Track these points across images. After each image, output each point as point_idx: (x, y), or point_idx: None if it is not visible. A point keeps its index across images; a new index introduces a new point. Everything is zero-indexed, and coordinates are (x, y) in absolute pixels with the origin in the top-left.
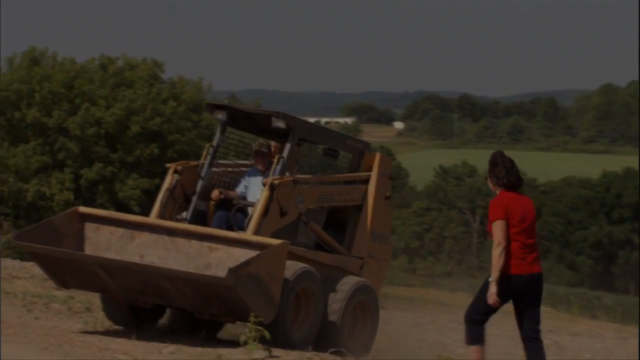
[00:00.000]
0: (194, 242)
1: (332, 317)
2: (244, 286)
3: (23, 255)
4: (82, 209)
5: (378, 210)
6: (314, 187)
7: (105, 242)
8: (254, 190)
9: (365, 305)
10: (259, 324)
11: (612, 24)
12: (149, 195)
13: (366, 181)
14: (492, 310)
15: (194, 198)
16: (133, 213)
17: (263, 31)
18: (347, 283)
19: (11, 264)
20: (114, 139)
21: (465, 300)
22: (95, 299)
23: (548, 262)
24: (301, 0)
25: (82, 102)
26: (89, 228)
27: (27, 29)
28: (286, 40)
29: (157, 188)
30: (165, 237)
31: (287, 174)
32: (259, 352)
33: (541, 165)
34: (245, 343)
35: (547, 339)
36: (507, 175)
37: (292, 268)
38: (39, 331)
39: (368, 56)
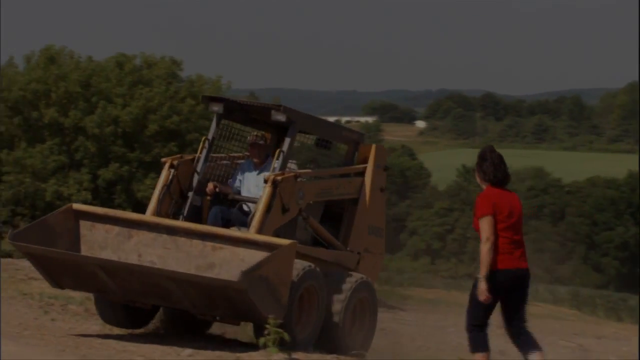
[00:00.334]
0: (196, 241)
1: (335, 317)
2: (254, 288)
3: None
4: (76, 206)
5: (374, 203)
6: (313, 182)
7: (101, 240)
8: (249, 184)
9: (365, 302)
10: (279, 326)
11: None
12: None
13: (362, 173)
14: (489, 311)
15: (191, 194)
16: None
17: (283, 29)
18: (349, 281)
19: (27, 265)
20: (131, 138)
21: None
22: None
23: (573, 263)
24: None
25: (99, 101)
26: (84, 226)
27: (44, 27)
28: (307, 38)
29: None
30: (165, 235)
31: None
32: (279, 355)
33: (566, 165)
34: (265, 346)
35: (571, 342)
36: (495, 171)
37: (297, 267)
38: (56, 333)
39: (390, 54)
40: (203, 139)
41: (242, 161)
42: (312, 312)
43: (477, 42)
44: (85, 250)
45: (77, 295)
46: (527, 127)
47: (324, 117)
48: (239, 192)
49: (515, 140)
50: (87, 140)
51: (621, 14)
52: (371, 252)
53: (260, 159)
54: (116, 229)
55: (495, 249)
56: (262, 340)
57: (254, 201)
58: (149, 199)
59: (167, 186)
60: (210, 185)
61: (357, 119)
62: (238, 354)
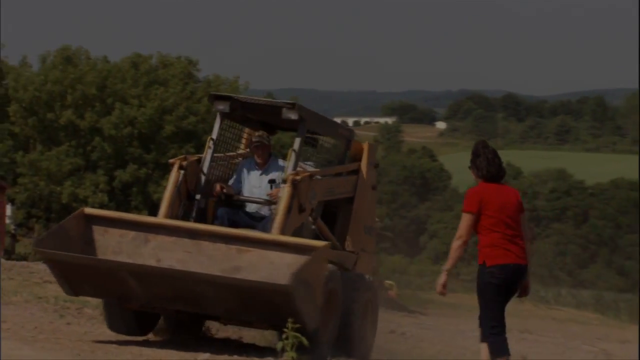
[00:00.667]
0: (220, 244)
1: (351, 318)
2: (299, 292)
3: None
4: (88, 210)
5: (368, 202)
6: (322, 181)
7: (115, 245)
8: (251, 185)
9: (370, 303)
10: (298, 330)
11: None
12: None
13: (356, 171)
14: (501, 311)
15: (199, 196)
16: None
17: (301, 29)
18: (360, 282)
19: (43, 268)
20: (147, 140)
21: (508, 306)
22: None
23: (596, 267)
24: None
25: (114, 102)
26: (97, 231)
27: (58, 26)
28: (324, 37)
29: None
30: (186, 238)
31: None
32: None
33: (589, 166)
34: (283, 350)
35: (595, 346)
36: (488, 166)
37: None
38: (71, 337)
39: (409, 54)
40: (208, 138)
41: (239, 160)
42: (332, 315)
43: (498, 41)
44: (98, 256)
45: (93, 299)
46: (549, 128)
47: (320, 114)
48: (239, 193)
49: (537, 142)
50: (103, 141)
51: None
52: (366, 251)
53: (263, 159)
54: (131, 233)
55: (491, 244)
56: (279, 344)
57: (259, 202)
58: None
59: (178, 188)
60: (217, 187)
61: (376, 119)
62: (255, 359)
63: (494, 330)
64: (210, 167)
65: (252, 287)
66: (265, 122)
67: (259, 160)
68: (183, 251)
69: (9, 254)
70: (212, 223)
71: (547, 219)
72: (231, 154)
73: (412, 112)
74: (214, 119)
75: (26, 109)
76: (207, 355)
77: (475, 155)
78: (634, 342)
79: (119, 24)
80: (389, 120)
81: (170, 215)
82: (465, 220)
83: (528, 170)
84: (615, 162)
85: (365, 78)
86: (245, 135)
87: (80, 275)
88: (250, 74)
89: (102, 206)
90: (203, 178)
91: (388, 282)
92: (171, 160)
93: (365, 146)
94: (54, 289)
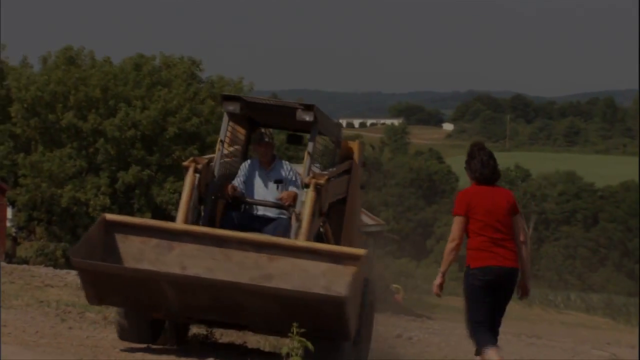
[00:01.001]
0: (250, 251)
1: (360, 322)
2: (351, 302)
3: (56, 263)
4: (110, 216)
5: (358, 201)
6: (332, 183)
7: (137, 252)
8: (257, 186)
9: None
10: (329, 338)
11: None
12: None
13: (348, 171)
14: (487, 312)
15: (210, 198)
16: (171, 217)
17: (305, 29)
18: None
19: (44, 272)
20: (150, 141)
21: (517, 310)
22: None
23: (606, 270)
24: None
25: (117, 104)
26: (118, 238)
27: (59, 27)
28: (329, 38)
29: None
30: (212, 246)
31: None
32: None
33: (599, 168)
34: (288, 355)
35: (605, 351)
36: (481, 168)
37: None
38: (73, 341)
39: (416, 54)
40: (219, 140)
41: (234, 158)
42: (363, 323)
43: (506, 41)
44: (118, 262)
45: None
46: (558, 129)
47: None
48: (243, 194)
49: (547, 144)
50: (106, 143)
51: None
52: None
53: (268, 159)
54: (154, 240)
55: (477, 247)
56: (284, 349)
57: (270, 205)
58: (168, 203)
59: (195, 192)
60: (230, 188)
61: (382, 120)
62: None
63: (479, 326)
64: (220, 168)
65: (305, 299)
66: (271, 123)
67: (263, 160)
68: (210, 258)
69: (10, 258)
70: (221, 226)
71: (556, 221)
72: (230, 148)
73: (419, 113)
74: (218, 119)
75: (28, 109)
76: None
77: (470, 157)
78: None
79: (121, 24)
80: (396, 121)
81: (189, 220)
82: (456, 222)
83: (537, 172)
84: (625, 164)
85: (370, 79)
86: (229, 129)
87: (113, 285)
88: (254, 75)
89: (104, 209)
90: (214, 180)
91: (394, 286)
92: (185, 164)
93: (356, 145)
94: (56, 293)
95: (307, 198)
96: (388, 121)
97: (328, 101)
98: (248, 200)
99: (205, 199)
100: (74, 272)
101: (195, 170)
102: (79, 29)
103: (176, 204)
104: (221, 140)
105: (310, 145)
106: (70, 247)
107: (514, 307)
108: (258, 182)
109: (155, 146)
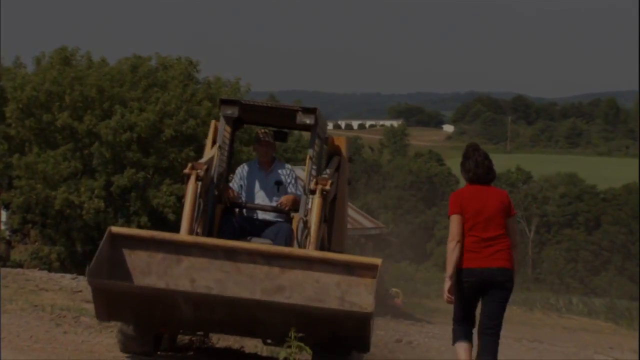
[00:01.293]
0: (261, 263)
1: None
2: (373, 316)
3: (51, 266)
4: (115, 229)
5: (346, 198)
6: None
7: (144, 266)
8: (256, 188)
9: None
10: (346, 347)
11: None
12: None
13: (337, 168)
14: (467, 308)
15: (211, 205)
16: (168, 221)
17: (304, 30)
18: None
19: (39, 276)
20: (146, 144)
21: (518, 314)
22: None
23: (608, 274)
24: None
25: (112, 106)
26: (125, 252)
27: (53, 28)
28: (327, 38)
29: None
30: (223, 257)
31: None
32: None
33: (601, 170)
34: None
35: (608, 356)
36: (475, 168)
37: None
38: (68, 346)
39: (416, 55)
40: (217, 145)
41: (221, 157)
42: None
43: (508, 42)
44: (124, 277)
45: (90, 306)
46: (560, 131)
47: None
48: (241, 198)
49: (548, 145)
50: (101, 146)
51: None
52: (346, 251)
53: (268, 159)
54: (161, 253)
55: (463, 247)
56: (282, 353)
57: (268, 209)
58: (164, 205)
59: (197, 200)
60: (230, 192)
61: (381, 122)
62: None
63: (456, 323)
64: (218, 173)
65: (330, 315)
66: (268, 125)
67: (263, 160)
68: (220, 271)
69: (4, 261)
70: (220, 231)
71: (558, 224)
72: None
73: (419, 114)
74: (215, 121)
75: (23, 110)
76: None
77: (465, 157)
78: None
79: (114, 24)
80: (395, 123)
81: (194, 231)
82: (452, 221)
83: (538, 174)
84: (628, 166)
85: (370, 79)
86: (214, 126)
87: (127, 302)
88: (252, 75)
89: (98, 212)
90: (213, 186)
91: (394, 289)
92: (186, 171)
93: (343, 141)
94: (50, 297)
95: (314, 205)
96: (387, 123)
97: (327, 102)
98: (247, 205)
99: (206, 205)
100: (68, 276)
101: (197, 178)
102: (71, 29)
103: (173, 207)
104: (219, 146)
105: (311, 151)
106: (66, 250)
107: (515, 312)
108: (257, 184)
109: (151, 148)
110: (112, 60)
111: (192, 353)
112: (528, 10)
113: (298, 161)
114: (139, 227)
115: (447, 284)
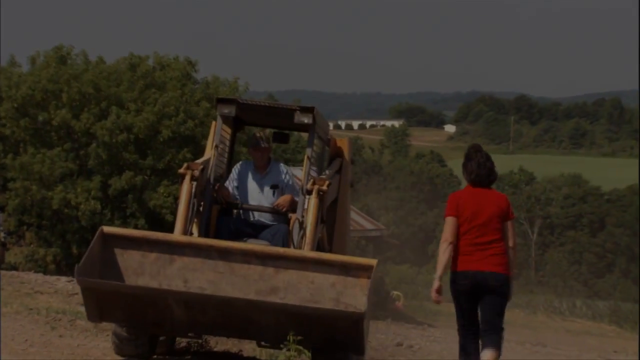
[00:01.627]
0: (255, 263)
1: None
2: (367, 316)
3: (46, 269)
4: (107, 229)
5: (348, 201)
6: (330, 187)
7: (137, 266)
8: (251, 191)
9: None
10: (343, 350)
11: None
12: None
13: (338, 170)
14: (466, 313)
15: (207, 205)
16: (166, 222)
17: (303, 29)
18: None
19: (34, 278)
20: (143, 145)
21: (521, 317)
22: None
23: (613, 277)
24: None
25: (109, 106)
26: (117, 251)
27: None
28: (327, 37)
29: None
30: (216, 258)
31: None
32: None
33: (605, 171)
34: None
35: (611, 359)
36: (477, 169)
37: None
38: (63, 350)
39: (417, 54)
40: (214, 145)
41: (220, 158)
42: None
43: (510, 41)
44: (117, 277)
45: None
46: (563, 131)
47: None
48: (237, 201)
49: (551, 146)
50: (97, 147)
51: None
52: (347, 253)
53: (263, 162)
54: (154, 253)
55: (456, 251)
56: (281, 356)
57: (265, 211)
58: (162, 207)
59: (192, 201)
60: (226, 192)
61: (382, 122)
62: None
63: (461, 329)
64: (216, 174)
65: (323, 315)
66: (266, 124)
67: (259, 164)
68: (213, 271)
69: None
70: (217, 231)
71: (562, 226)
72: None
73: (420, 114)
74: (212, 121)
75: (18, 109)
76: None
77: (467, 159)
78: None
79: (111, 23)
80: (396, 123)
81: (188, 231)
82: (447, 223)
83: (542, 175)
84: (632, 167)
85: (370, 79)
86: (213, 124)
87: (118, 302)
88: (251, 75)
89: (94, 214)
90: (209, 186)
91: (395, 292)
92: (181, 171)
93: (346, 142)
94: (46, 300)
95: (311, 206)
96: (388, 123)
97: (327, 102)
98: (244, 206)
99: (202, 206)
100: (64, 279)
101: (192, 178)
102: (66, 28)
103: (170, 208)
104: (216, 146)
105: (309, 150)
106: (62, 252)
107: (518, 315)
108: (253, 186)
109: (149, 150)
110: (109, 59)
111: (189, 357)
112: (531, 9)
113: (298, 162)
114: (136, 229)
115: (436, 284)
